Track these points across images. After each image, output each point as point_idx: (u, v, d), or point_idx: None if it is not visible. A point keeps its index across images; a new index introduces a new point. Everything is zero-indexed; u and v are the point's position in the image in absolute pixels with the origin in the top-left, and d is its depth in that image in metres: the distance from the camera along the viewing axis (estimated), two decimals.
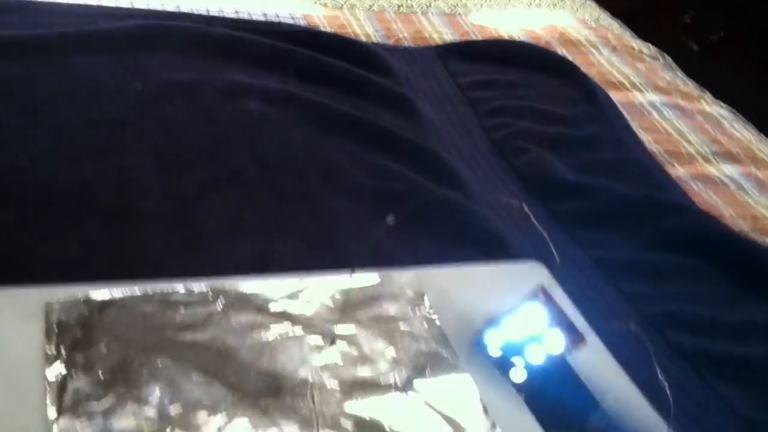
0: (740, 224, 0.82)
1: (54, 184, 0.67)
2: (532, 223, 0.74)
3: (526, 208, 0.43)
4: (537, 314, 0.40)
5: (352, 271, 0.44)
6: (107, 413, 0.38)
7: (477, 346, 0.45)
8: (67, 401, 0.38)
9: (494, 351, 0.43)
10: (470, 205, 0.74)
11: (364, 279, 0.49)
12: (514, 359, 0.42)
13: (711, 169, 0.91)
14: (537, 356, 0.41)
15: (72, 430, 0.37)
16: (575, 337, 0.39)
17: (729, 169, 0.92)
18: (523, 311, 0.41)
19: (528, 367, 0.42)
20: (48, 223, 0.63)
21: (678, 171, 0.90)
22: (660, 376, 0.35)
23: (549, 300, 0.40)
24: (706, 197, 0.86)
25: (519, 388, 0.42)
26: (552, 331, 0.40)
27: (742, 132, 1.02)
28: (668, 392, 0.34)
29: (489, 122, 0.91)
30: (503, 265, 0.55)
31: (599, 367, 0.45)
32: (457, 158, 0.83)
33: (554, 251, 0.39)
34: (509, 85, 0.99)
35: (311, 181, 0.75)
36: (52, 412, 0.38)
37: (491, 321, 0.43)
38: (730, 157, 0.95)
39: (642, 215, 0.78)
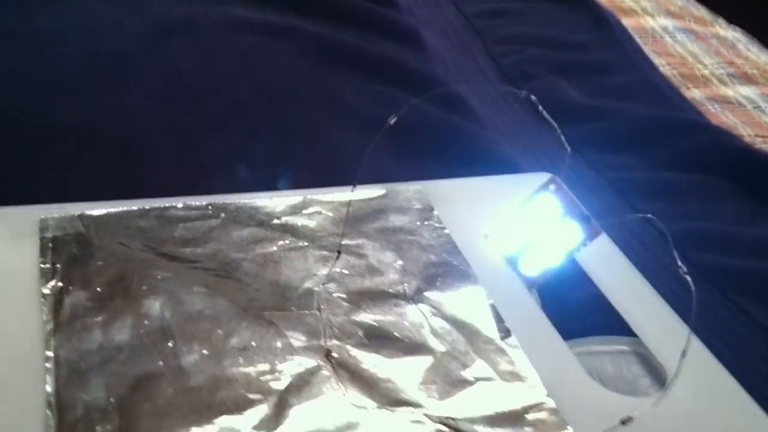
0: (758, 143, 0.79)
1: (53, 120, 0.66)
2: (542, 140, 0.72)
3: (533, 98, 0.41)
4: (549, 206, 0.38)
5: (354, 186, 0.42)
6: (105, 326, 0.37)
7: (488, 249, 0.43)
8: (64, 315, 0.37)
9: (506, 249, 0.41)
10: (479, 129, 0.72)
11: (369, 192, 0.48)
12: (527, 255, 0.40)
13: (727, 91, 0.89)
14: (551, 250, 0.39)
15: (69, 344, 0.36)
16: (591, 229, 0.38)
17: (745, 90, 0.89)
18: (535, 203, 0.39)
19: (541, 262, 0.40)
20: (47, 158, 0.62)
21: (693, 93, 0.87)
22: (679, 264, 0.33)
23: (561, 191, 0.38)
24: (723, 118, 0.83)
25: (532, 284, 0.40)
26: (566, 222, 0.38)
27: (758, 54, 0.99)
28: (691, 284, 0.32)
29: (496, 50, 0.89)
30: (513, 177, 0.53)
31: (612, 263, 0.43)
32: (466, 85, 0.81)
33: (564, 142, 0.37)
34: (516, 13, 0.96)
35: (315, 110, 0.73)
36: (48, 327, 0.36)
37: (502, 220, 0.42)
38: (746, 78, 0.92)
39: (657, 135, 0.76)
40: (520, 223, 0.41)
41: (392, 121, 0.38)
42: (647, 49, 0.94)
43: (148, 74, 0.74)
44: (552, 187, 0.39)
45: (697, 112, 0.82)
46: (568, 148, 0.39)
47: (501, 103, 0.80)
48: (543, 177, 0.44)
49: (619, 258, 0.45)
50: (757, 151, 0.76)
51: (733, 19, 1.11)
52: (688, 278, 0.33)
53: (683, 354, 0.33)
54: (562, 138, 0.38)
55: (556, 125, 0.38)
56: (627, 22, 0.99)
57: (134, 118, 0.69)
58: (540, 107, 0.39)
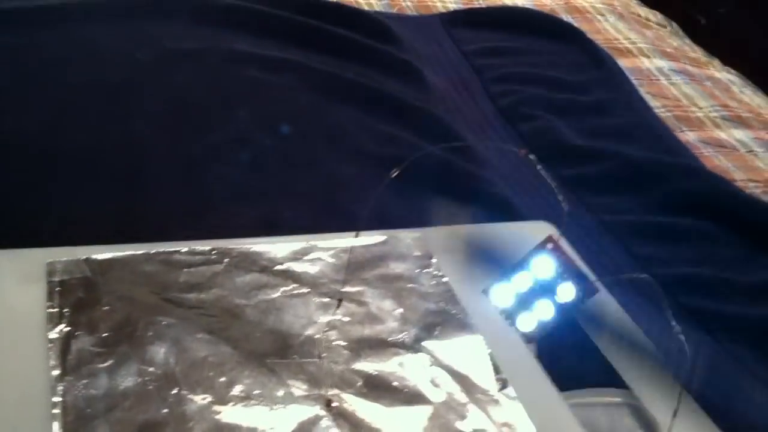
0: (751, 187, 0.81)
1: (58, 149, 0.67)
2: (540, 183, 0.73)
3: (531, 156, 0.42)
4: (546, 266, 0.39)
5: (357, 232, 0.43)
6: (111, 372, 0.38)
7: (486, 301, 0.44)
8: (71, 361, 0.38)
9: (504, 305, 0.42)
10: (477, 170, 0.73)
11: (370, 239, 0.49)
12: (524, 312, 0.41)
13: (721, 134, 0.90)
14: (548, 308, 0.40)
15: (76, 390, 0.36)
16: (587, 288, 0.39)
17: (739, 134, 0.91)
18: (533, 263, 0.40)
19: (538, 319, 0.41)
20: (52, 188, 0.63)
21: (688, 136, 0.89)
22: (673, 324, 0.34)
23: (558, 251, 0.39)
24: (716, 161, 0.84)
25: (529, 339, 0.41)
26: (563, 281, 0.39)
27: (752, 97, 1.01)
28: (684, 341, 0.33)
29: (495, 89, 0.90)
30: (511, 225, 0.54)
31: (611, 319, 0.44)
32: (463, 125, 0.82)
33: (561, 201, 0.38)
34: (515, 52, 0.98)
35: (316, 145, 0.74)
36: (55, 372, 0.37)
37: (500, 276, 0.43)
38: (740, 121, 0.93)
39: (653, 178, 0.77)
40: (518, 280, 0.42)
41: (394, 175, 0.39)
42: (643, 91, 0.95)
43: (152, 104, 0.75)
44: (549, 246, 0.40)
45: (692, 156, 0.83)
46: (566, 207, 0.40)
47: (498, 143, 0.81)
48: (540, 226, 0.45)
49: (616, 311, 0.46)
50: (751, 196, 0.77)
51: (727, 60, 1.13)
52: (682, 338, 0.34)
53: (674, 414, 0.34)
54: (560, 197, 0.39)
55: (554, 185, 0.39)
56: (623, 62, 1.00)
57: (138, 147, 0.70)
58: (539, 167, 0.41)
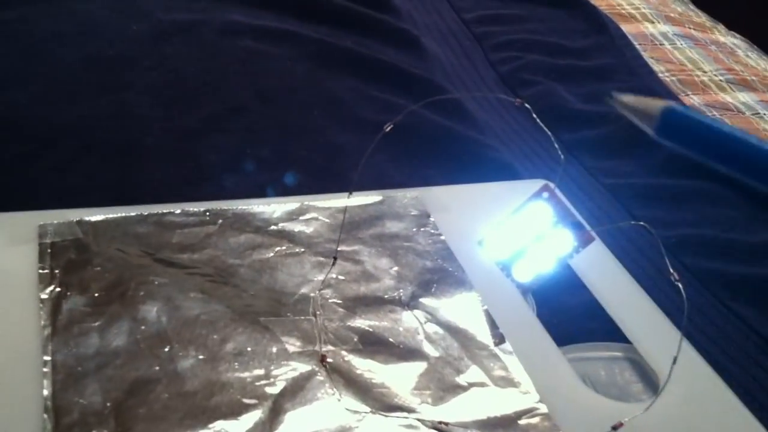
0: None
1: (53, 121, 0.66)
2: (540, 145, 0.73)
3: (527, 105, 0.41)
4: (542, 214, 0.39)
5: (351, 192, 0.43)
6: (102, 331, 0.37)
7: (483, 257, 0.43)
8: (62, 321, 0.37)
9: (499, 255, 0.42)
10: (477, 135, 0.72)
11: (366, 199, 0.48)
12: (520, 262, 0.41)
13: (726, 97, 0.89)
14: (543, 257, 0.40)
15: (66, 349, 0.36)
16: (583, 237, 0.38)
17: (744, 97, 0.89)
18: (528, 211, 0.40)
19: (534, 269, 0.40)
20: (47, 159, 0.63)
21: (692, 100, 0.87)
22: (671, 271, 0.33)
23: (554, 199, 0.38)
24: None
25: (525, 290, 0.41)
26: (558, 229, 0.38)
27: (757, 61, 0.99)
28: (683, 291, 0.32)
29: (496, 56, 0.89)
30: (510, 183, 0.53)
31: (606, 269, 0.44)
32: (464, 92, 0.81)
33: (557, 148, 0.37)
34: (516, 20, 0.97)
35: (314, 114, 0.73)
36: (46, 331, 0.37)
37: (495, 227, 0.42)
38: (745, 85, 0.92)
39: (654, 141, 0.76)
40: (514, 230, 0.41)
41: (388, 129, 0.39)
42: (646, 56, 0.94)
43: (148, 76, 0.75)
44: (545, 194, 0.39)
45: None
46: (562, 156, 0.39)
47: (499, 109, 0.80)
48: (538, 184, 0.45)
49: (613, 264, 0.45)
50: None
51: (733, 26, 1.12)
52: (680, 285, 0.33)
53: (674, 360, 0.33)
54: (556, 146, 0.38)
55: (550, 133, 0.38)
56: (626, 28, 0.99)
57: (134, 119, 0.69)
58: (534, 115, 0.40)
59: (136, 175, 0.62)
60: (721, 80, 0.92)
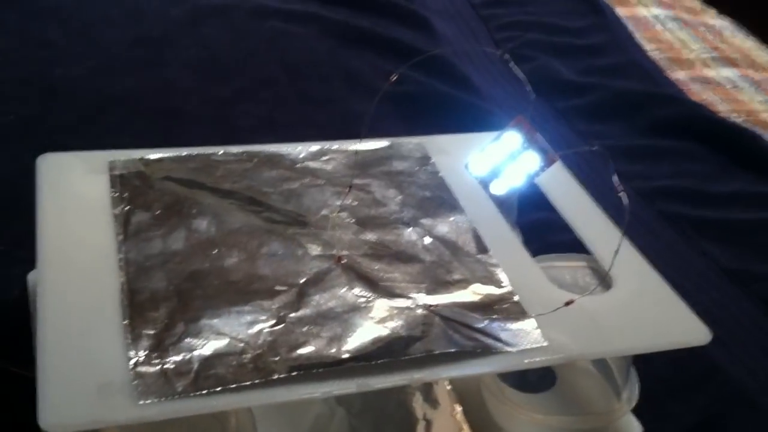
0: (733, 117, 0.88)
1: (106, 92, 0.76)
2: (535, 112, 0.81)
3: (507, 56, 0.50)
4: (515, 139, 0.48)
5: (362, 138, 0.52)
6: (164, 237, 0.46)
7: (474, 191, 0.52)
8: (131, 230, 0.47)
9: (480, 174, 0.51)
10: (479, 102, 0.81)
11: (377, 144, 0.57)
12: (496, 179, 0.50)
13: (710, 72, 0.97)
14: (515, 174, 0.49)
15: (136, 250, 0.45)
16: (547, 158, 0.47)
17: (727, 72, 0.98)
18: (504, 137, 0.49)
19: (508, 184, 0.50)
20: (102, 123, 0.72)
21: (678, 74, 0.96)
22: (617, 185, 0.42)
23: (525, 128, 0.47)
24: (703, 95, 0.92)
25: (501, 201, 0.50)
26: (528, 152, 0.47)
27: (743, 40, 1.07)
28: (624, 199, 0.41)
29: (500, 35, 0.98)
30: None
31: (569, 189, 0.53)
32: (469, 66, 0.90)
33: (529, 89, 0.46)
34: (520, 2, 1.06)
35: (334, 85, 0.83)
36: (119, 237, 0.46)
37: (479, 152, 0.51)
38: (729, 61, 1.00)
39: (639, 107, 0.85)
40: (492, 153, 0.50)
41: (394, 78, 0.47)
42: (639, 36, 1.03)
43: (186, 54, 0.85)
44: (518, 123, 0.48)
45: (677, 90, 0.91)
46: (533, 95, 0.48)
47: (501, 81, 0.89)
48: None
49: (572, 184, 0.54)
50: (729, 120, 0.84)
51: (725, 11, 1.19)
52: (622, 195, 0.42)
53: (616, 252, 0.42)
54: (528, 87, 0.47)
55: (525, 78, 0.47)
56: (622, 11, 1.07)
57: (174, 90, 0.79)
58: (512, 64, 0.49)
59: (177, 137, 0.71)
60: (706, 57, 1.00)
